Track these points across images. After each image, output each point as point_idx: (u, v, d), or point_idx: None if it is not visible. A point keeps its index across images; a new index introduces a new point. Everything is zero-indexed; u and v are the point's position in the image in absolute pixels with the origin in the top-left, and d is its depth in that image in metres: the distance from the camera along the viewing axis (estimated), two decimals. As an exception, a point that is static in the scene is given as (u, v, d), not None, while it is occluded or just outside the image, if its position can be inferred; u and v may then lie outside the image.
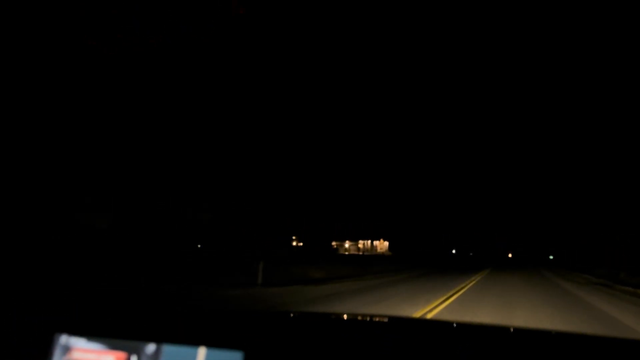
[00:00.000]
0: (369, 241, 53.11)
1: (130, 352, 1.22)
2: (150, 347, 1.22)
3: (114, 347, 1.24)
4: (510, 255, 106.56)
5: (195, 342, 1.20)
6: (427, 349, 1.29)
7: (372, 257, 36.84)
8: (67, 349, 1.26)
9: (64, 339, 1.26)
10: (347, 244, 52.63)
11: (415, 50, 35.00)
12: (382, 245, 53.65)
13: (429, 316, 7.14)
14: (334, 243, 51.32)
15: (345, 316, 2.03)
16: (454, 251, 73.13)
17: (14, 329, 1.39)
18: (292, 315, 2.34)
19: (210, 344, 1.18)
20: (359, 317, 2.04)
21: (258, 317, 1.87)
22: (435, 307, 8.30)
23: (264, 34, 19.55)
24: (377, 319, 2.17)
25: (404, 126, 41.56)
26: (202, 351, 1.18)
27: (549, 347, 1.41)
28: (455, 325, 1.99)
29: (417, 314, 7.31)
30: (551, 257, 49.75)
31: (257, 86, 21.01)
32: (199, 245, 25.59)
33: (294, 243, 45.67)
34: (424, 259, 38.10)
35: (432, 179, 48.86)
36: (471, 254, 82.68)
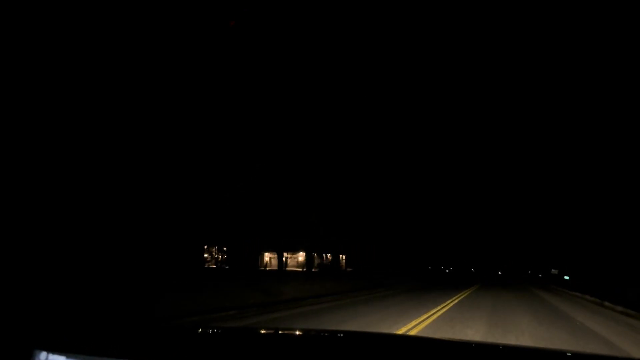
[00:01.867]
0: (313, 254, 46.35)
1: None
2: None
3: None
4: (499, 273, 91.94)
5: None
6: None
7: (309, 274, 29.98)
8: (45, 367, 1.30)
9: (43, 355, 1.30)
10: (284, 256, 45.22)
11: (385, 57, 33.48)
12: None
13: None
14: (267, 255, 44.02)
15: (335, 334, 2.21)
16: (430, 267, 66.70)
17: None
18: (279, 332, 2.45)
19: None
20: (352, 334, 2.32)
21: (243, 335, 1.99)
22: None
23: (258, 35, 21.52)
24: (363, 335, 2.52)
25: (382, 125, 37.29)
26: None
27: None
28: (440, 342, 2.19)
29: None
30: (566, 277, 40.23)
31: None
32: None
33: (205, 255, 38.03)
34: (381, 277, 31.79)
35: (404, 185, 42.74)
36: (447, 270, 76.52)
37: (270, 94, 26.88)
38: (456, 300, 15.95)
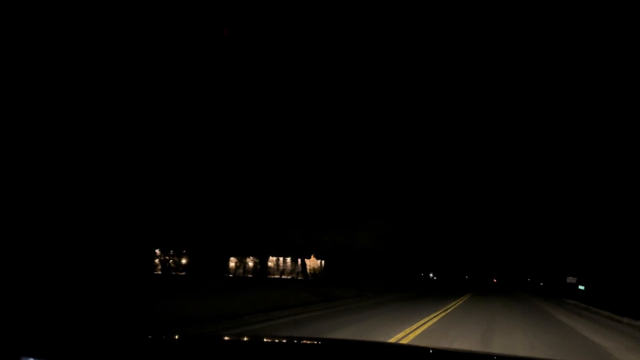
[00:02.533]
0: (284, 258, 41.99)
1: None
2: None
3: None
4: (495, 280, 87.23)
5: None
6: None
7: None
8: (32, 375, 1.24)
9: None
10: (250, 262, 40.59)
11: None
12: (313, 263, 42.29)
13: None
14: (233, 260, 39.43)
15: (325, 341, 2.29)
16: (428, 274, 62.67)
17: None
18: (269, 340, 2.48)
19: None
20: (358, 342, 2.43)
21: (231, 344, 1.96)
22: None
23: (258, 35, 22.10)
24: (359, 343, 2.58)
25: (377, 125, 34.81)
26: None
27: None
28: (431, 351, 2.10)
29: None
30: (581, 287, 35.64)
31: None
32: None
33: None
34: (358, 286, 27.85)
35: (394, 185, 39.18)
36: (435, 278, 73.03)
37: (269, 94, 25.64)
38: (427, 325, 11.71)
